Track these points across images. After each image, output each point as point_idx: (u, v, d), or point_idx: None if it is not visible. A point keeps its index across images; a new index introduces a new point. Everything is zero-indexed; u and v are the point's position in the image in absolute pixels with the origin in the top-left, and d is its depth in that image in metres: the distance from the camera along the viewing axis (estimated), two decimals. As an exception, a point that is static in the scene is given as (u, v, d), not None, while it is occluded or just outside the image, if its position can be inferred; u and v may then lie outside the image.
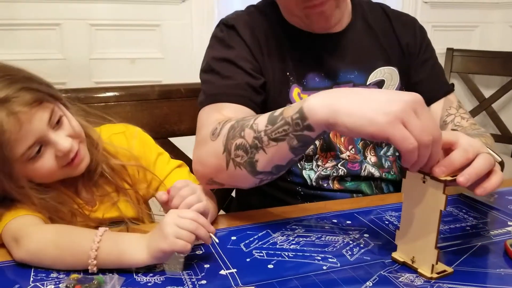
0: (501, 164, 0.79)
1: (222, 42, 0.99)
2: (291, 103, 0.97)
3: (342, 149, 1.01)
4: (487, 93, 2.37)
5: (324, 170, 1.00)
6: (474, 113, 2.32)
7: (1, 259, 0.71)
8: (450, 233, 0.81)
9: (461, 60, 2.38)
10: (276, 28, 1.01)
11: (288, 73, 0.99)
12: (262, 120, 0.74)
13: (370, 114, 0.62)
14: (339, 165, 1.00)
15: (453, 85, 1.12)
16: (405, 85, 1.06)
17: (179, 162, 0.95)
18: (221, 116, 0.87)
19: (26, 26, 1.93)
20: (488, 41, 2.51)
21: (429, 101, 1.01)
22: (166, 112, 1.19)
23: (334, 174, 1.00)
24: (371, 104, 0.63)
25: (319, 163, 1.00)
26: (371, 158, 1.03)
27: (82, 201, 0.83)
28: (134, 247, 0.66)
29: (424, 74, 1.07)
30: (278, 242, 0.76)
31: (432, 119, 0.64)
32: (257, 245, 0.75)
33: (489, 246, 0.76)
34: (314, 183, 1.00)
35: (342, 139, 1.01)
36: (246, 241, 0.76)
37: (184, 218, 0.66)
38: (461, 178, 0.64)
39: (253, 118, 0.77)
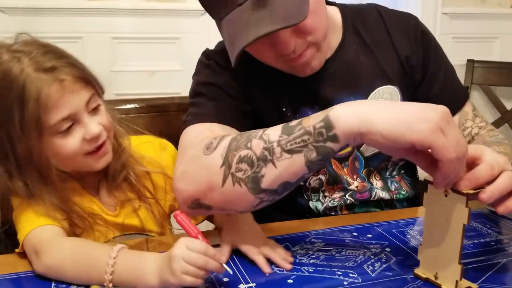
0: None
1: (206, 66, 0.95)
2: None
3: (350, 180, 0.96)
4: (508, 105, 2.33)
5: (331, 202, 0.96)
6: (496, 125, 2.28)
7: (23, 269, 0.72)
8: (474, 249, 0.79)
9: (481, 72, 2.35)
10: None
11: (281, 106, 0.93)
12: (274, 131, 0.67)
13: (409, 121, 0.59)
14: (347, 196, 0.96)
15: (466, 91, 1.07)
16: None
17: None
18: (213, 134, 0.78)
19: (49, 39, 1.96)
20: (509, 52, 2.48)
21: None
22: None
23: (342, 204, 0.97)
24: (406, 112, 0.60)
25: (326, 194, 0.96)
26: (377, 183, 0.98)
27: (103, 205, 0.84)
28: (147, 270, 0.64)
29: (436, 88, 0.98)
30: (297, 256, 0.75)
31: (460, 131, 0.63)
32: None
33: (514, 263, 0.74)
34: (321, 213, 0.96)
35: (346, 170, 0.96)
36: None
37: (192, 252, 0.62)
38: (484, 195, 0.63)
39: (261, 130, 0.70)
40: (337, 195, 0.96)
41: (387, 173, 1.00)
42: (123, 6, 2.02)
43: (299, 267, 0.72)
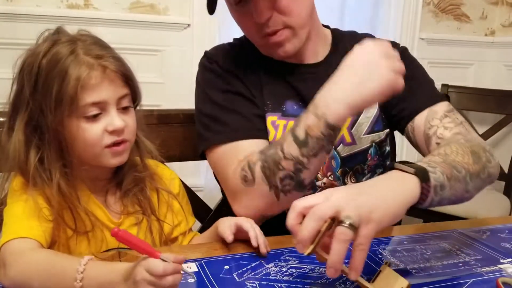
0: None
1: (214, 72, 1.02)
2: (266, 133, 0.99)
3: (319, 175, 1.01)
4: (481, 130, 2.40)
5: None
6: (468, 149, 2.35)
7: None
8: (443, 269, 0.81)
9: (456, 97, 2.42)
10: (254, 59, 1.03)
11: (264, 102, 1.00)
12: (290, 148, 0.84)
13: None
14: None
15: (444, 95, 1.07)
16: (384, 111, 1.04)
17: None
18: (240, 157, 0.91)
19: (26, 46, 1.95)
20: (482, 79, 2.56)
21: (411, 116, 1.01)
22: (164, 137, 1.19)
23: None
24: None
25: None
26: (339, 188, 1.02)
27: (109, 211, 0.85)
28: (116, 285, 0.63)
29: (404, 93, 0.98)
30: (271, 273, 0.76)
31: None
32: (250, 275, 0.75)
33: (481, 284, 0.76)
34: None
35: (321, 167, 1.00)
36: (239, 271, 0.76)
37: (154, 276, 0.60)
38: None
39: (274, 149, 0.86)
40: (307, 192, 0.99)
41: (364, 178, 1.03)
42: (105, 16, 2.01)
43: (272, 283, 0.73)
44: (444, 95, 1.08)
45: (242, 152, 0.92)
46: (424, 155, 1.00)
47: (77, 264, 0.65)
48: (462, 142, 0.89)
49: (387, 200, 0.65)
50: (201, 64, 1.05)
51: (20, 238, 0.72)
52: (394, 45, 1.08)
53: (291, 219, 0.64)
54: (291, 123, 0.99)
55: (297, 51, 0.99)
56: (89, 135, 0.77)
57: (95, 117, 0.78)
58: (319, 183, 1.01)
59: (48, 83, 0.75)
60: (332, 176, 1.01)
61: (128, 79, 0.82)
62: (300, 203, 0.64)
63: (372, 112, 1.03)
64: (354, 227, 0.60)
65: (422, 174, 0.69)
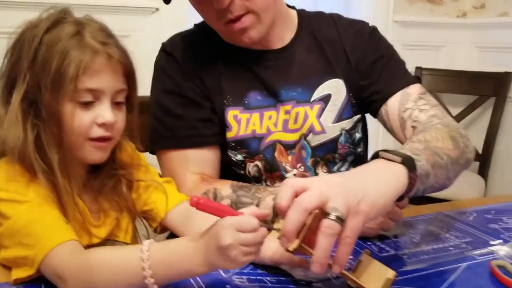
0: None
1: (164, 71, 0.97)
2: (227, 127, 0.95)
3: (288, 167, 0.97)
4: (454, 111, 2.41)
5: None
6: (442, 130, 2.36)
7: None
8: (434, 253, 0.79)
9: (429, 79, 2.42)
10: (214, 48, 0.98)
11: (223, 96, 0.95)
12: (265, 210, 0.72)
13: None
14: None
15: (416, 77, 1.03)
16: (354, 94, 1.00)
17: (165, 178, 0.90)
18: (191, 176, 0.92)
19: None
20: (455, 61, 2.56)
21: (384, 98, 0.97)
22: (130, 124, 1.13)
23: None
24: None
25: (268, 183, 0.97)
26: (323, 175, 0.98)
27: (88, 209, 0.77)
28: (191, 260, 0.59)
29: (375, 75, 0.99)
30: (258, 269, 0.72)
31: None
32: (237, 270, 0.71)
33: (474, 267, 0.74)
34: None
35: (290, 157, 0.97)
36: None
37: (246, 233, 0.57)
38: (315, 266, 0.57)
39: (249, 199, 0.85)
40: (277, 185, 0.96)
41: (335, 167, 1.00)
42: (70, 1, 1.89)
43: (261, 277, 0.69)
44: (416, 77, 1.04)
45: (190, 162, 0.93)
46: (398, 138, 0.98)
47: (138, 252, 0.60)
48: (439, 127, 0.86)
49: (375, 190, 0.60)
50: (156, 60, 1.00)
51: (60, 244, 0.65)
52: (364, 25, 1.06)
53: (286, 199, 0.58)
54: (255, 116, 0.95)
55: (262, 37, 0.92)
56: (77, 123, 0.71)
57: (86, 105, 0.71)
58: (289, 174, 0.97)
59: (47, 58, 0.69)
60: (302, 167, 0.98)
61: (129, 73, 0.77)
62: (295, 182, 0.59)
63: (339, 100, 0.99)
64: (341, 220, 0.56)
65: (408, 163, 0.66)
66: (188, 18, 2.12)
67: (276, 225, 0.61)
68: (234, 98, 0.95)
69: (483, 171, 2.31)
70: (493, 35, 2.42)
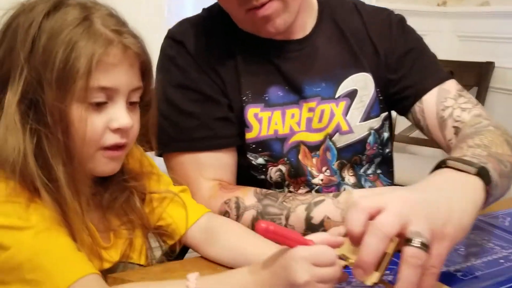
0: None
1: (173, 61, 0.85)
2: (247, 126, 0.84)
3: (314, 172, 0.88)
4: (435, 102, 2.40)
5: None
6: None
7: None
8: (486, 269, 0.71)
9: (410, 68, 2.38)
10: (228, 36, 0.87)
11: (241, 92, 0.85)
12: (296, 222, 0.75)
13: None
14: (313, 192, 0.88)
15: (448, 73, 0.95)
16: (383, 90, 0.93)
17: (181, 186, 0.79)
18: (207, 183, 0.83)
19: None
20: (435, 50, 2.53)
21: (418, 95, 0.90)
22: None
23: None
24: None
25: (291, 189, 0.88)
26: (350, 178, 0.91)
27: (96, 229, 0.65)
28: None
29: (406, 68, 0.93)
30: None
31: None
32: None
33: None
34: None
35: (315, 160, 0.88)
36: None
37: (323, 268, 0.50)
38: None
39: (278, 210, 0.76)
40: (302, 191, 0.88)
41: (362, 170, 0.92)
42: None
43: None
44: (448, 72, 0.96)
45: (205, 167, 0.84)
46: (435, 139, 0.90)
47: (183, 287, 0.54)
48: (492, 130, 0.79)
49: (459, 209, 0.52)
50: (162, 48, 0.88)
51: (77, 281, 0.53)
52: (389, 13, 0.97)
53: (361, 225, 0.48)
54: (276, 114, 0.85)
55: (288, 26, 0.83)
56: (89, 129, 0.58)
57: (98, 106, 0.59)
58: (315, 180, 0.88)
59: (50, 50, 0.57)
60: (328, 171, 0.89)
61: (146, 68, 0.67)
62: (367, 203, 0.49)
63: (367, 96, 0.91)
64: (426, 246, 0.47)
65: (484, 175, 0.58)
66: (165, 5, 2.00)
67: (345, 251, 0.51)
68: (254, 94, 0.85)
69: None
70: (474, 25, 2.41)
